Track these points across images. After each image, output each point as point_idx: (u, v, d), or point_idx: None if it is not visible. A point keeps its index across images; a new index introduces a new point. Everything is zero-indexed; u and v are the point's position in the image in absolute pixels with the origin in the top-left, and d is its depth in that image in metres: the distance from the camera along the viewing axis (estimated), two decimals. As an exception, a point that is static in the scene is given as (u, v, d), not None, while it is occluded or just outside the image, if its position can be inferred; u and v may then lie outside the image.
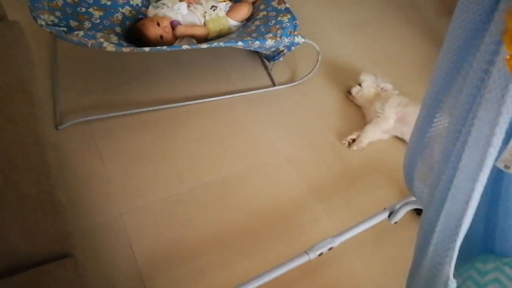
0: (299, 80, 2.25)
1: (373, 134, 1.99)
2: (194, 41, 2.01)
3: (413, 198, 1.70)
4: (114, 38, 1.81)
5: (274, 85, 2.23)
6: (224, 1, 2.14)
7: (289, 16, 2.03)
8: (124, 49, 1.71)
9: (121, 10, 2.06)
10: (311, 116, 2.13)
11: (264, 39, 1.92)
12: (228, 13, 2.11)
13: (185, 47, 1.80)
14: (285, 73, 2.31)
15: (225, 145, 1.95)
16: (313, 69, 2.20)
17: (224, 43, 1.86)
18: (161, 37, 1.95)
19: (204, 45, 1.83)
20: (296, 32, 1.98)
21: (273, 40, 1.93)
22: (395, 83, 2.25)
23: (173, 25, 1.97)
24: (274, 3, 2.13)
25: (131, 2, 2.11)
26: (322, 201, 1.81)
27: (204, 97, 2.10)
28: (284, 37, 1.95)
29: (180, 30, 1.97)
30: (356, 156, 1.99)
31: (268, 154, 1.95)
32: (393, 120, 1.99)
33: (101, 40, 1.72)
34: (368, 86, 2.11)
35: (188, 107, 2.06)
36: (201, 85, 2.17)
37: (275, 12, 2.08)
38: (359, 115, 2.16)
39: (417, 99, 2.21)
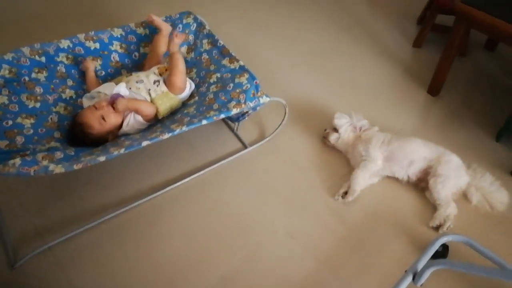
0: (270, 135, 2.07)
1: (363, 179, 1.85)
2: (143, 121, 1.77)
3: (432, 258, 1.62)
4: (59, 154, 1.52)
5: (245, 147, 2.04)
6: (166, 70, 1.90)
7: (246, 75, 1.84)
8: (75, 166, 1.43)
9: (54, 109, 1.77)
10: (293, 174, 1.96)
11: (229, 110, 1.73)
12: (167, 87, 1.86)
13: (145, 143, 1.55)
14: (253, 130, 2.13)
15: (214, 236, 1.72)
16: (281, 122, 2.03)
17: (187, 126, 1.63)
18: (103, 118, 1.68)
19: (165, 135, 1.59)
20: (259, 93, 1.80)
21: (238, 108, 1.74)
22: (366, 113, 2.15)
23: (113, 99, 1.71)
24: (226, 62, 1.93)
25: (63, 96, 1.83)
26: (336, 272, 1.64)
27: (173, 182, 1.86)
28: (249, 102, 1.76)
29: (122, 104, 1.70)
30: (354, 211, 1.84)
31: (264, 233, 1.74)
32: (381, 161, 1.87)
33: (45, 162, 1.43)
34: (346, 131, 1.98)
35: (159, 198, 1.81)
36: (166, 169, 1.93)
37: (230, 73, 1.88)
38: (342, 161, 2.02)
39: (393, 128, 2.15)
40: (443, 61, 2.20)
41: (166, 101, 1.83)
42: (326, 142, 2.05)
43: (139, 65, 2.06)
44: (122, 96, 1.74)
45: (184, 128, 1.62)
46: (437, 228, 1.76)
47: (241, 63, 1.90)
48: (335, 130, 1.99)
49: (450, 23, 2.26)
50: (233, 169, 1.95)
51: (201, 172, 1.91)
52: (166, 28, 2.04)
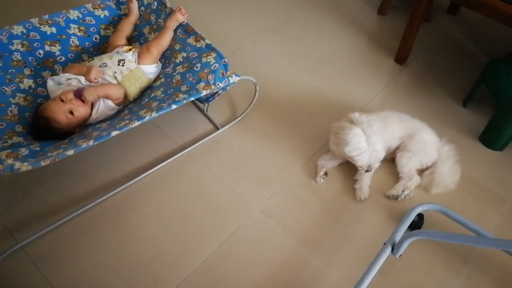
0: (241, 115, 2.04)
1: (370, 178, 1.84)
2: (113, 105, 1.71)
3: (409, 228, 1.65)
4: (23, 150, 1.45)
5: (217, 128, 2.00)
6: (130, 49, 1.84)
7: (214, 54, 1.78)
8: (43, 163, 1.37)
9: (13, 101, 1.68)
10: (267, 153, 1.95)
11: (198, 91, 1.68)
12: (139, 61, 1.81)
13: (114, 133, 1.49)
14: (224, 110, 2.09)
15: (192, 222, 1.70)
16: (252, 101, 2.00)
17: (157, 112, 1.58)
18: (71, 113, 1.61)
19: (135, 123, 1.53)
20: (228, 72, 1.75)
21: (207, 90, 1.69)
22: (335, 85, 2.14)
23: (79, 93, 1.63)
24: (191, 41, 1.86)
25: (22, 86, 1.73)
26: (316, 249, 1.66)
27: (145, 169, 1.82)
28: (218, 82, 1.72)
29: (89, 93, 1.62)
30: (329, 187, 1.85)
31: (241, 215, 1.74)
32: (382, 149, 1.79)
33: (10, 161, 1.36)
34: (363, 149, 1.71)
35: (132, 186, 1.77)
36: (137, 156, 1.88)
37: (196, 52, 1.82)
38: (314, 137, 2.01)
39: (363, 100, 2.12)
40: (408, 28, 2.20)
41: (134, 81, 1.76)
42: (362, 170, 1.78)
43: (101, 48, 1.98)
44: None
45: (154, 115, 1.57)
46: (395, 197, 1.79)
47: (207, 41, 1.84)
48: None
49: (414, -10, 2.25)
50: (206, 152, 1.92)
51: (173, 158, 1.87)
52: (135, 15, 2.00)
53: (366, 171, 1.75)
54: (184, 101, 1.64)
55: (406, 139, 1.85)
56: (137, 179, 1.79)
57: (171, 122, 2.00)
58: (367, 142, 1.68)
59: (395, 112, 1.90)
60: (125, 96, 1.75)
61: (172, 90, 1.73)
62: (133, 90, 1.75)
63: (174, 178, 1.82)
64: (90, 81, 1.70)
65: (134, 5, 1.98)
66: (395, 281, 1.59)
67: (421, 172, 1.86)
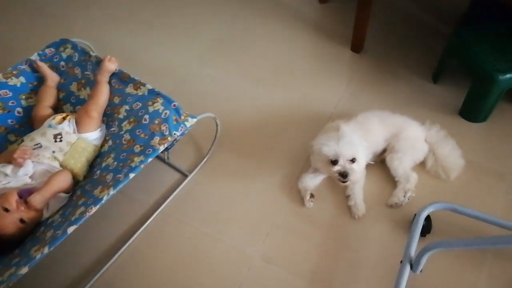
0: (207, 154, 1.82)
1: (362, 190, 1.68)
2: (64, 195, 1.44)
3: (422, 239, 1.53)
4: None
5: (185, 175, 1.78)
6: (64, 118, 1.57)
7: (160, 100, 1.55)
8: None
9: None
10: (247, 189, 1.74)
11: (155, 149, 1.45)
12: (79, 129, 1.56)
13: (71, 229, 1.24)
14: (187, 153, 1.85)
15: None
16: (215, 136, 1.77)
17: (114, 188, 1.34)
18: (22, 221, 1.34)
19: (92, 209, 1.29)
20: (183, 117, 1.53)
21: (165, 144, 1.47)
22: (297, 91, 1.96)
23: (24, 197, 1.36)
24: (130, 89, 1.62)
25: None
26: (330, 285, 1.49)
27: (119, 246, 1.57)
28: (174, 131, 1.50)
29: (37, 201, 1.35)
30: (322, 210, 1.66)
31: (240, 269, 1.53)
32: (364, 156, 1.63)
33: None
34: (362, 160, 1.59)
35: (109, 271, 1.53)
36: (106, 232, 1.63)
37: (139, 101, 1.58)
38: (293, 155, 1.82)
39: (331, 101, 1.98)
40: (360, 13, 2.02)
41: (79, 156, 1.50)
42: (342, 183, 1.60)
43: (28, 121, 1.69)
44: (31, 191, 1.37)
45: (112, 192, 1.33)
46: (399, 205, 1.64)
47: (149, 86, 1.60)
48: (352, 161, 1.54)
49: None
50: (180, 206, 1.69)
51: (146, 224, 1.63)
52: (52, 78, 1.72)
53: (343, 180, 1.55)
54: (142, 166, 1.41)
55: (392, 140, 1.70)
56: (110, 262, 1.54)
57: (133, 181, 1.72)
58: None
59: (372, 112, 1.74)
60: (74, 176, 1.50)
61: (124, 154, 1.48)
62: (80, 167, 1.49)
63: (154, 247, 1.59)
64: (19, 165, 1.43)
65: (43, 68, 1.71)
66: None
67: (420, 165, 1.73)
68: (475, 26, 1.85)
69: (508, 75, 1.68)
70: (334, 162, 1.54)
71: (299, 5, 2.47)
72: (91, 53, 1.72)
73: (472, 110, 1.86)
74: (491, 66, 1.70)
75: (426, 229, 1.54)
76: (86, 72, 1.71)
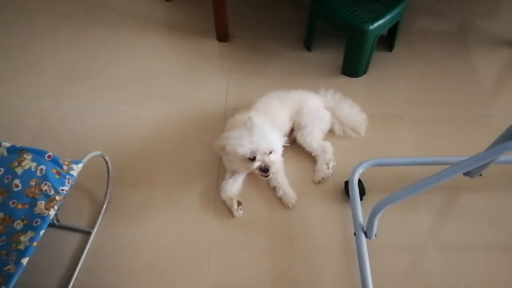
0: (105, 200, 1.52)
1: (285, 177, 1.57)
2: None
3: None
4: None
5: (88, 232, 1.46)
6: None
7: (29, 156, 1.22)
8: None
9: None
10: (168, 223, 1.51)
11: (44, 216, 1.14)
12: None
13: None
14: (80, 206, 1.54)
15: None
16: (109, 175, 1.48)
17: (7, 285, 1.00)
18: None
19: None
20: (65, 166, 1.23)
21: (55, 205, 1.16)
22: (182, 98, 1.78)
23: None
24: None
25: None
26: (296, 284, 1.37)
27: None
28: (61, 187, 1.19)
29: None
30: (252, 213, 1.53)
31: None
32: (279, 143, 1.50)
33: None
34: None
35: None
36: None
37: (1, 166, 1.22)
38: (202, 167, 1.64)
39: (218, 97, 1.85)
40: (218, 1, 1.91)
41: None
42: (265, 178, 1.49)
43: None
44: None
45: (5, 292, 1.00)
46: (325, 179, 1.59)
47: (6, 143, 1.26)
48: (270, 153, 1.43)
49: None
50: (95, 269, 1.39)
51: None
52: None
53: (265, 175, 1.45)
54: (35, 243, 1.09)
55: (296, 116, 1.64)
56: None
57: (30, 262, 1.38)
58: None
59: (268, 95, 1.66)
60: None
61: (3, 237, 1.13)
62: None
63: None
64: None
65: None
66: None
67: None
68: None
69: (375, 24, 1.73)
70: (253, 159, 1.42)
71: (145, 9, 2.23)
72: None
73: (353, 66, 1.89)
74: (358, 19, 1.74)
75: (362, 192, 1.51)
76: None
